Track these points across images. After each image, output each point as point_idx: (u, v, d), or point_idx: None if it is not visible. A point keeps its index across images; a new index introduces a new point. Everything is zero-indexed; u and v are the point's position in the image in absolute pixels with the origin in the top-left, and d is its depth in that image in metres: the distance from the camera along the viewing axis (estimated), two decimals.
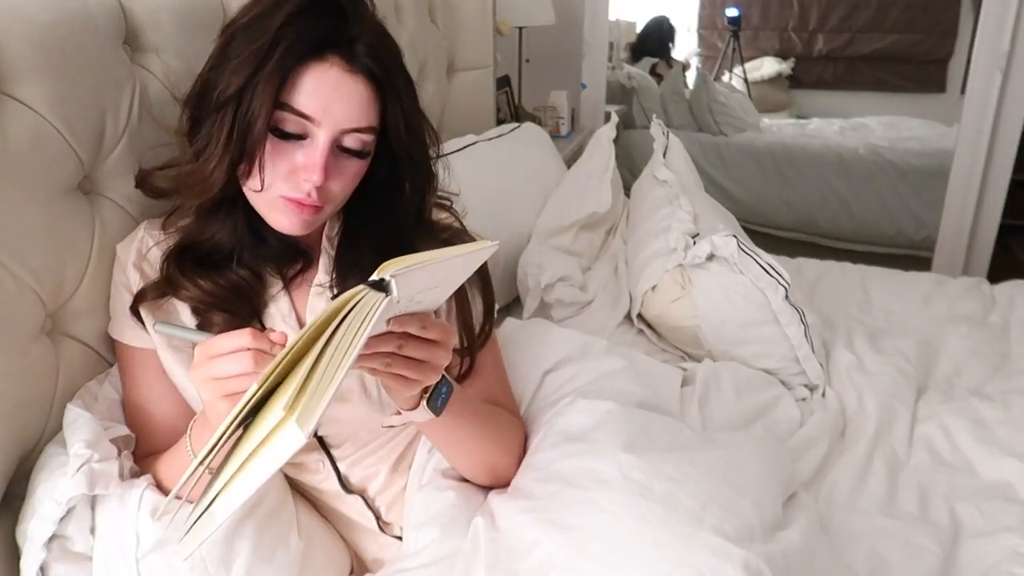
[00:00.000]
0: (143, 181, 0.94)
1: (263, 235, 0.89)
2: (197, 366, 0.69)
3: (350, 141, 0.81)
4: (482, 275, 0.99)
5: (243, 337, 0.67)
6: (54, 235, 0.87)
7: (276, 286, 0.92)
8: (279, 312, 0.91)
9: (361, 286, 0.59)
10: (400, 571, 0.90)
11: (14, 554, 0.84)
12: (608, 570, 0.77)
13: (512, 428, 0.99)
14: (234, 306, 0.87)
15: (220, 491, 0.59)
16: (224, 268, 0.88)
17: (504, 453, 0.96)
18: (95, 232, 0.93)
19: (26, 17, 0.83)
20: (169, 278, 0.87)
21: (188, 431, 0.80)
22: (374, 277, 0.60)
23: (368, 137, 0.82)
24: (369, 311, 0.58)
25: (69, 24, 0.87)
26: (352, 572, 1.02)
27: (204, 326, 0.87)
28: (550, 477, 0.90)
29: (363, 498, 0.98)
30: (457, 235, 0.97)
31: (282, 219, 0.83)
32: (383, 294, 0.59)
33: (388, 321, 0.67)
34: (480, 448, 0.93)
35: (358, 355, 0.56)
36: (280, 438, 0.55)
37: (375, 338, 0.68)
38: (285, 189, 0.81)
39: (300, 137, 0.80)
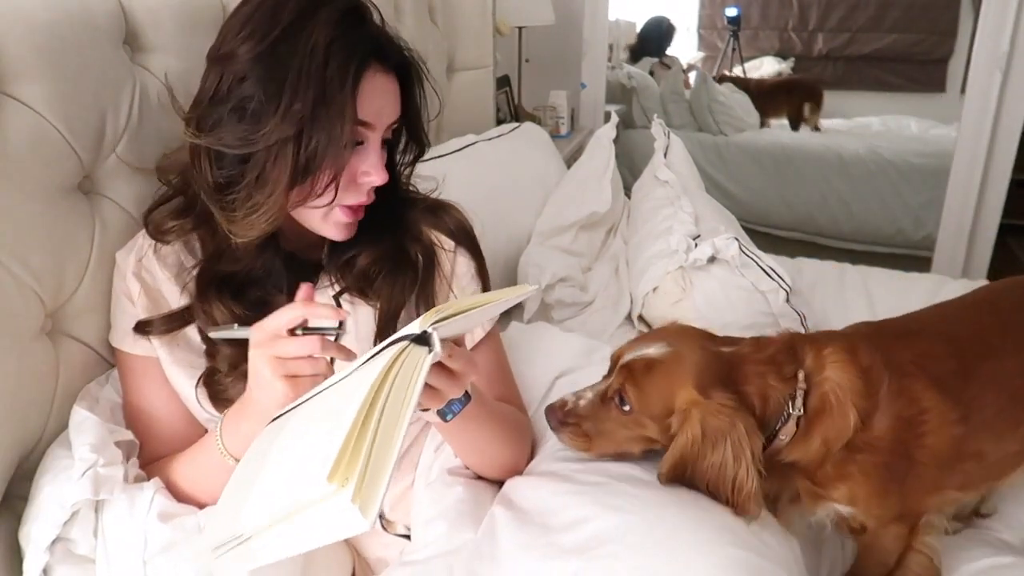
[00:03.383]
0: (159, 231, 0.88)
1: (286, 254, 0.89)
2: (259, 344, 0.70)
3: (387, 134, 0.84)
4: (481, 274, 0.99)
5: (296, 308, 0.68)
6: (54, 235, 0.87)
7: (282, 300, 0.91)
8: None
9: (404, 341, 0.59)
10: (407, 564, 0.90)
11: (15, 555, 0.83)
12: (671, 554, 0.75)
13: (521, 425, 0.99)
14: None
15: (259, 531, 0.55)
16: (246, 291, 0.87)
17: (514, 450, 0.96)
18: (95, 232, 0.93)
19: (26, 17, 0.83)
20: (202, 302, 0.85)
21: (219, 428, 0.80)
22: (415, 329, 0.59)
23: (395, 126, 0.85)
24: (415, 371, 0.56)
25: (69, 24, 0.87)
26: (354, 573, 1.02)
27: (211, 353, 0.87)
28: (594, 470, 0.88)
29: None
30: (442, 206, 0.99)
31: (335, 230, 0.85)
32: (426, 349, 0.58)
33: None
34: (492, 446, 0.93)
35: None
36: (334, 516, 0.47)
37: None
38: (347, 198, 0.82)
39: (357, 144, 0.81)
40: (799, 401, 0.84)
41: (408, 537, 0.98)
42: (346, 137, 0.77)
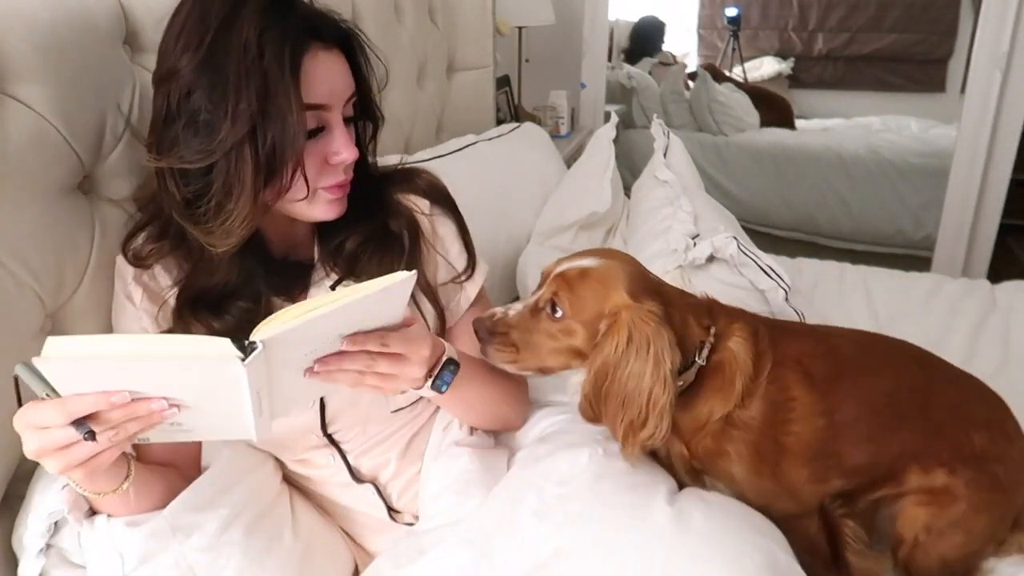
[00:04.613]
0: (139, 258, 0.87)
1: (266, 257, 0.89)
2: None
3: (347, 110, 0.84)
4: (463, 234, 1.01)
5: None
6: (54, 235, 0.87)
7: (277, 303, 0.90)
8: None
9: (229, 342, 0.60)
10: (414, 534, 0.90)
11: (14, 555, 0.84)
12: (691, 545, 0.75)
13: (515, 380, 1.00)
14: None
15: None
16: (230, 304, 0.85)
17: (511, 404, 0.98)
18: (95, 232, 0.93)
19: (26, 17, 0.83)
20: (181, 324, 0.84)
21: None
22: (252, 338, 0.61)
23: (353, 99, 0.85)
24: (211, 361, 0.59)
25: (69, 24, 0.87)
26: (356, 572, 1.02)
27: None
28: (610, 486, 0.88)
29: (374, 486, 0.98)
30: (412, 171, 1.00)
31: (326, 210, 0.85)
32: (238, 355, 0.59)
33: (342, 340, 0.70)
34: (489, 406, 0.95)
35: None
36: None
37: (338, 355, 0.71)
38: (325, 182, 0.83)
39: (319, 129, 0.81)
40: (705, 352, 0.87)
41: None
42: (299, 124, 0.76)
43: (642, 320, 0.81)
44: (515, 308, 0.89)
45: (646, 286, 0.86)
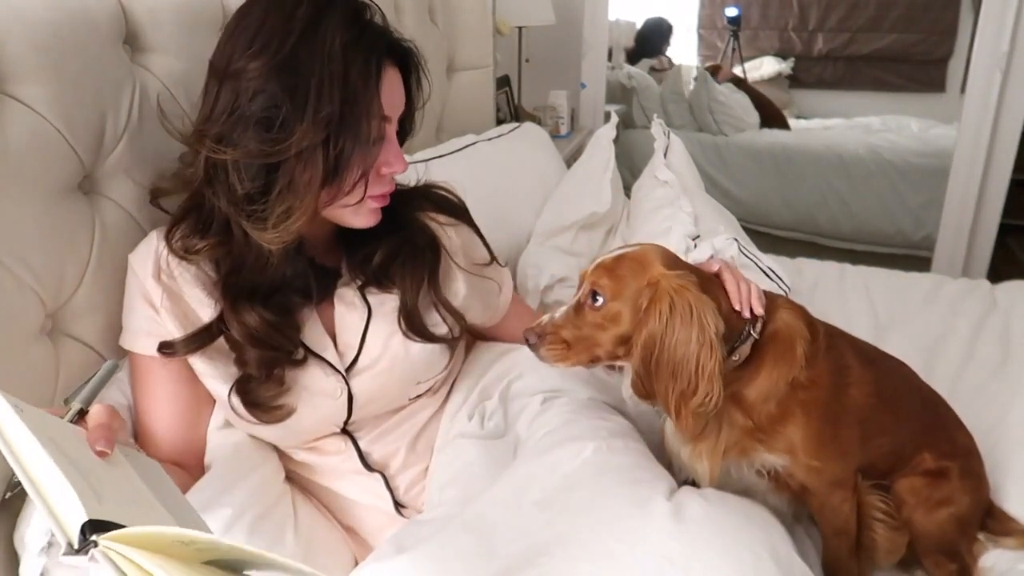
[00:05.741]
0: (189, 252, 0.87)
1: (308, 259, 0.92)
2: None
3: (397, 125, 0.89)
4: (482, 240, 1.07)
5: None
6: (54, 235, 0.87)
7: (306, 306, 0.93)
8: (313, 331, 0.92)
9: (80, 523, 0.48)
10: (416, 522, 0.91)
11: (15, 555, 0.84)
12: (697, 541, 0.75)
13: None
14: (282, 339, 0.88)
15: None
16: (271, 297, 0.88)
17: None
18: (95, 232, 0.93)
19: (26, 17, 0.83)
20: (235, 312, 0.85)
21: None
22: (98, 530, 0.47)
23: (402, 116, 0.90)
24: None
25: (69, 24, 0.87)
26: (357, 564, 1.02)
27: (242, 361, 0.87)
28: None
29: (383, 477, 0.99)
30: (430, 187, 1.05)
31: (367, 218, 0.89)
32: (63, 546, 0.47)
33: None
34: None
35: None
36: None
37: None
38: (375, 190, 0.86)
39: (378, 139, 0.84)
40: (759, 326, 0.88)
41: None
42: (373, 134, 0.81)
43: (682, 287, 0.82)
44: (560, 311, 0.90)
45: (681, 264, 0.88)
